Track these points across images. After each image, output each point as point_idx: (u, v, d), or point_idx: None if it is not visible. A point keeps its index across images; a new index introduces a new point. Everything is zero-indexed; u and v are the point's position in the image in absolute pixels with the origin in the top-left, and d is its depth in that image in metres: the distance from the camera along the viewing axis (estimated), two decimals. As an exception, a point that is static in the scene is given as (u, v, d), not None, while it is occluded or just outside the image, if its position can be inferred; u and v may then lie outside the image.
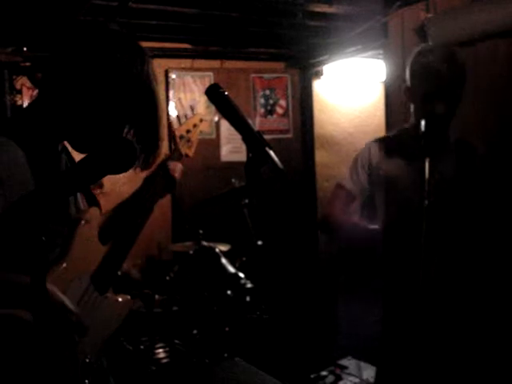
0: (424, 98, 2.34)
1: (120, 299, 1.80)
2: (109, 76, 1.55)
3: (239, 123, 1.48)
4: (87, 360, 1.61)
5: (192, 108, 2.08)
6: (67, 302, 1.50)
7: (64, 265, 1.57)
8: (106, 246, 1.72)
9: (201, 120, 2.20)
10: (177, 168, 2.03)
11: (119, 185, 4.43)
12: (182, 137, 2.11)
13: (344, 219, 2.53)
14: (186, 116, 2.23)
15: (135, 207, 1.87)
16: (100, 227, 1.74)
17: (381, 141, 2.59)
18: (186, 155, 2.10)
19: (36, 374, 1.41)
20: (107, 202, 2.05)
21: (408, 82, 2.42)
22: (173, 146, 2.12)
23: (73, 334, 1.52)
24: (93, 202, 1.78)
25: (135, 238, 1.80)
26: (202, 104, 5.09)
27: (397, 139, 2.55)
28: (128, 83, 1.57)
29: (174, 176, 2.00)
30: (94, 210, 1.71)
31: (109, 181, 4.40)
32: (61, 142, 1.68)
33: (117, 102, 1.58)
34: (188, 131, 2.14)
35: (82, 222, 1.65)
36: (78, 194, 1.76)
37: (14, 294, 1.44)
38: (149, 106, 1.64)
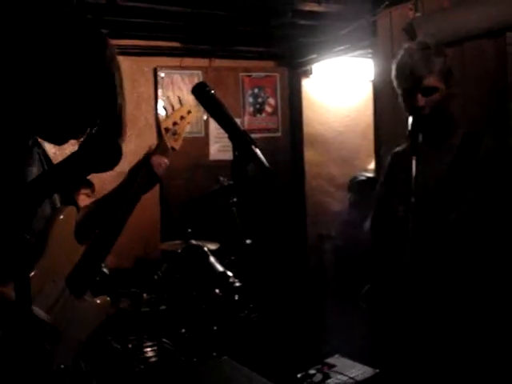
0: (404, 93, 2.40)
1: (98, 301, 1.73)
2: (70, 63, 1.51)
3: (225, 121, 1.48)
4: (62, 366, 1.55)
5: (180, 99, 2.02)
6: (37, 311, 1.45)
7: (37, 267, 1.51)
8: (83, 246, 1.66)
9: (189, 112, 2.12)
10: (161, 163, 1.95)
11: (105, 184, 4.40)
12: (167, 129, 2.03)
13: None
14: (173, 107, 2.14)
15: (117, 203, 1.79)
16: (77, 223, 1.67)
17: (394, 152, 2.68)
18: (173, 148, 2.02)
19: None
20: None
21: (398, 89, 2.48)
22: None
23: (45, 342, 1.46)
24: (70, 201, 1.73)
25: (116, 236, 1.73)
26: (190, 102, 5.06)
27: (403, 148, 2.60)
28: (90, 69, 1.53)
29: (158, 172, 1.93)
30: (70, 209, 1.64)
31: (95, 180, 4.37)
32: (30, 137, 1.63)
33: (80, 88, 1.53)
34: (175, 123, 2.07)
35: (59, 218, 1.59)
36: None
37: None
38: (110, 90, 1.59)
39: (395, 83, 2.47)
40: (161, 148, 1.99)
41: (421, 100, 2.33)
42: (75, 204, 1.72)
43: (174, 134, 2.06)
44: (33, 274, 1.49)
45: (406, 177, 2.21)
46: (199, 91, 1.52)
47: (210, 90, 1.50)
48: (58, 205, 1.70)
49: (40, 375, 1.44)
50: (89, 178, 3.61)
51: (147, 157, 1.94)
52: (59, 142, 1.62)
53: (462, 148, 2.37)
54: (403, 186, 2.27)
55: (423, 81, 2.33)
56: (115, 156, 1.48)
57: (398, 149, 2.68)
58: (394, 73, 2.47)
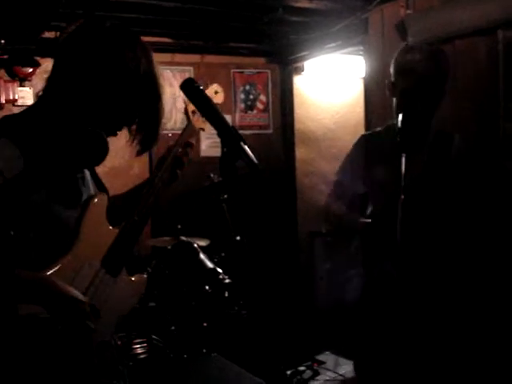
0: (403, 93, 2.39)
1: (133, 279, 1.86)
2: (113, 71, 1.62)
3: (214, 117, 1.49)
4: (105, 339, 1.71)
5: (207, 83, 2.10)
6: (74, 292, 1.55)
7: (73, 251, 1.64)
8: (115, 229, 1.77)
9: (216, 92, 2.14)
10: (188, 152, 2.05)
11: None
12: (194, 112, 2.09)
13: (340, 213, 2.59)
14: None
15: (146, 189, 1.89)
16: (109, 208, 1.78)
17: (367, 136, 2.65)
18: (202, 129, 2.09)
19: (54, 361, 1.52)
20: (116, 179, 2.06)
21: (392, 78, 2.47)
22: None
23: (86, 319, 1.56)
24: (101, 187, 1.84)
25: (147, 219, 1.83)
26: (182, 98, 5.06)
27: (381, 135, 2.59)
28: (132, 76, 1.64)
29: (183, 160, 2.03)
30: (101, 195, 1.76)
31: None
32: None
33: (122, 94, 1.65)
34: None
35: (92, 204, 1.70)
36: (90, 182, 1.81)
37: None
38: (152, 95, 1.71)
39: (395, 79, 2.46)
40: (188, 130, 2.07)
41: (420, 103, 2.34)
42: (105, 190, 1.85)
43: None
44: (68, 258, 1.62)
45: (391, 173, 2.21)
46: (188, 87, 1.53)
47: (198, 86, 1.51)
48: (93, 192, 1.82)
49: (83, 350, 1.60)
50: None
51: (172, 147, 2.01)
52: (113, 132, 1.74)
53: (434, 146, 2.39)
54: (388, 181, 2.28)
55: (427, 84, 2.34)
56: (102, 151, 1.49)
57: (368, 132, 2.68)
58: (395, 69, 2.46)
